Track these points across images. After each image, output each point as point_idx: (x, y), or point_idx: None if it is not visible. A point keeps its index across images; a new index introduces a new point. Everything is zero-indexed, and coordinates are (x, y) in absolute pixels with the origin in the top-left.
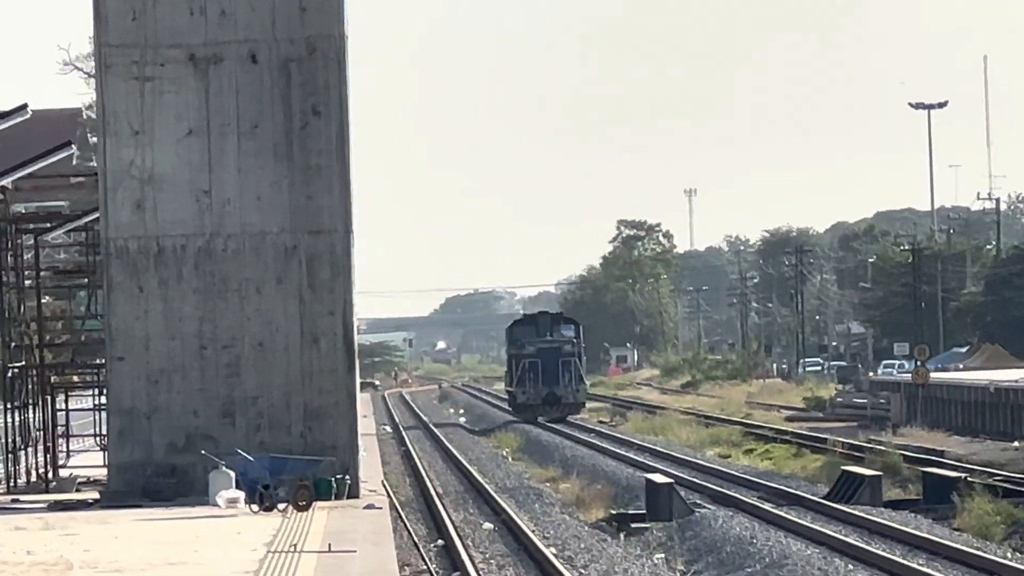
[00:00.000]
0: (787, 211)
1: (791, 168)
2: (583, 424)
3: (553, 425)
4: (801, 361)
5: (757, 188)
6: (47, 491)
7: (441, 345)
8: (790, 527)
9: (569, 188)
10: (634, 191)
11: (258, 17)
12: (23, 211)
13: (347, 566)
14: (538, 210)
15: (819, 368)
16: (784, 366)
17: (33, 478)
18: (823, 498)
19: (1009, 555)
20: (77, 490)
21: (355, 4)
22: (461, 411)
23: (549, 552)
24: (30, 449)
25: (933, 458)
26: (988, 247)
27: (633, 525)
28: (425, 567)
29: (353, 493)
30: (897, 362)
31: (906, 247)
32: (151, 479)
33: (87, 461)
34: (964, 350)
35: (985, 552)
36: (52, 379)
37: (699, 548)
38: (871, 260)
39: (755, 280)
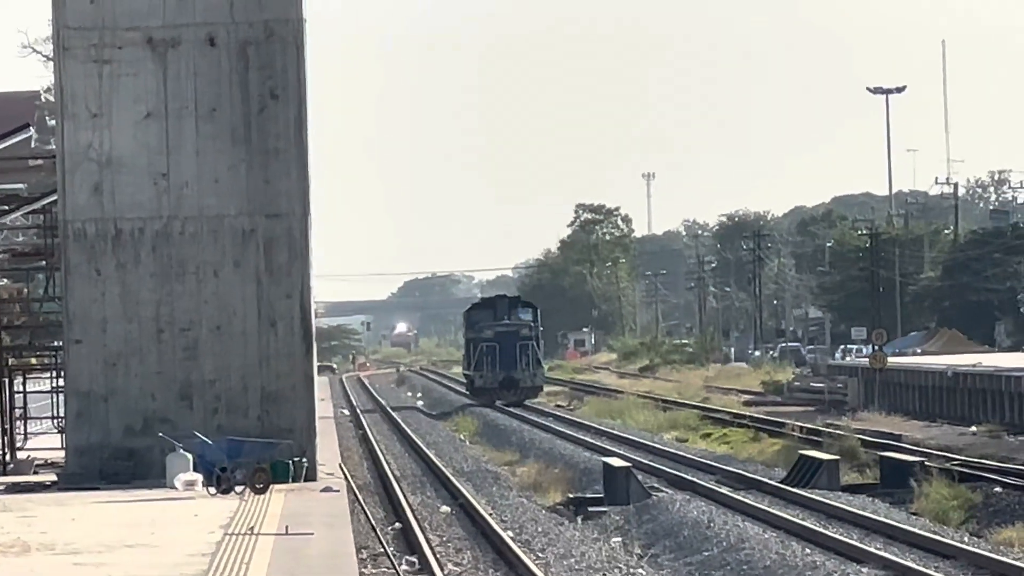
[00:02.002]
0: (745, 195)
1: (749, 152)
2: (541, 408)
3: (511, 409)
4: (760, 344)
5: (715, 172)
6: (4, 473)
7: (401, 328)
8: (747, 511)
9: (527, 172)
10: (592, 175)
11: (216, 0)
12: None
13: (304, 548)
14: (496, 194)
15: (773, 352)
16: (730, 348)
17: None
18: (780, 482)
19: (966, 539)
20: (34, 472)
21: None
22: (419, 395)
23: (506, 535)
24: None
25: (891, 442)
26: (946, 232)
27: (590, 509)
28: (382, 550)
29: (310, 476)
30: (855, 347)
31: (864, 232)
32: (108, 462)
33: (45, 443)
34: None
35: (942, 536)
36: (10, 361)
37: (656, 532)
38: (829, 244)
39: (713, 264)
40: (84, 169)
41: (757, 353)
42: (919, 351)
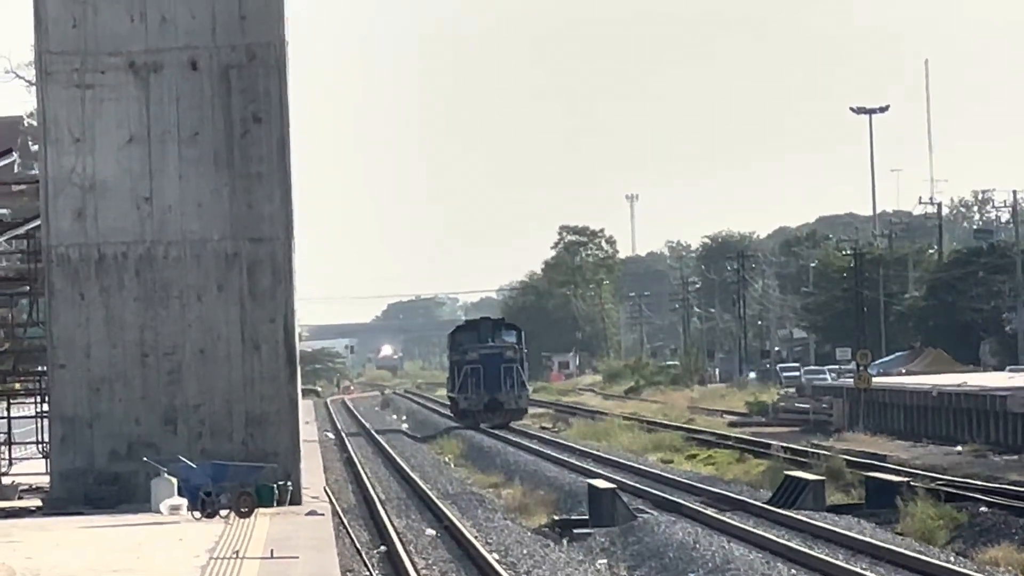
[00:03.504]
0: (729, 216)
1: (733, 173)
2: (525, 430)
3: (495, 431)
4: (747, 364)
5: (699, 193)
6: None
7: (386, 351)
8: (733, 532)
9: (511, 194)
10: (576, 197)
11: (198, 24)
12: None
13: (290, 572)
14: (480, 216)
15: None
16: (715, 369)
17: None
18: (766, 503)
19: (952, 559)
20: (19, 497)
21: (295, 11)
22: (403, 417)
23: (492, 558)
24: None
25: (876, 462)
26: (930, 251)
27: (576, 531)
28: (368, 573)
29: (295, 500)
30: (839, 366)
31: (848, 252)
32: (93, 486)
33: (29, 469)
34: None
35: (928, 556)
36: None
37: (642, 553)
38: (813, 265)
39: (697, 285)
40: (67, 194)
41: (752, 375)
42: (904, 371)
